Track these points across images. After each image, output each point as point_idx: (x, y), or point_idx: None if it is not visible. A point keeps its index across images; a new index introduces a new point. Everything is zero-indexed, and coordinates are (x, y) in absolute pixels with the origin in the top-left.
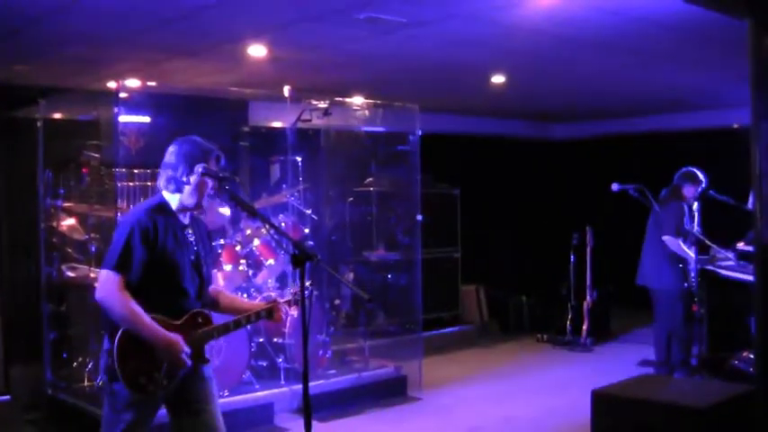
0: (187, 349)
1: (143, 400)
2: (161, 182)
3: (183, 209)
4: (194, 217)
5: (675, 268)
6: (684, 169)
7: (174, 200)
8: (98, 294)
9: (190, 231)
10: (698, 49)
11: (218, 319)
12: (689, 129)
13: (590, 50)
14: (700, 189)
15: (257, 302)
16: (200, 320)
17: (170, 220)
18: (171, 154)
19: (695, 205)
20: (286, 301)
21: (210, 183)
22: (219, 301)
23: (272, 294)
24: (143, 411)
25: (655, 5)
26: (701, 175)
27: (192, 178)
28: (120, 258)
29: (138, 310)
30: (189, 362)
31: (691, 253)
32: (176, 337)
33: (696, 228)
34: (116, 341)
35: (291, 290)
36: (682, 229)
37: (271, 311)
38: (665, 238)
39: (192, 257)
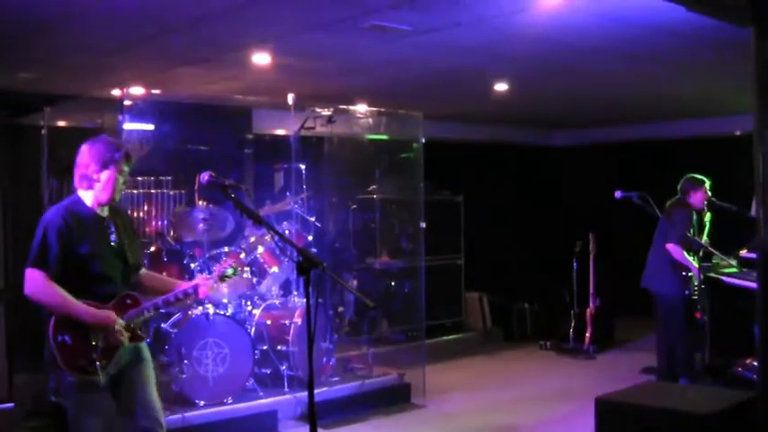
0: (121, 321)
1: (90, 382)
2: (75, 180)
3: (98, 204)
4: (115, 209)
5: (678, 275)
6: (689, 176)
7: (88, 196)
8: (26, 291)
9: (110, 222)
10: (701, 57)
11: None
12: (692, 136)
13: (593, 57)
14: (707, 195)
15: (183, 282)
16: (128, 302)
17: (85, 215)
18: (82, 153)
19: (707, 216)
20: (213, 277)
21: (121, 179)
22: (143, 282)
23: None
24: (97, 397)
25: (658, 13)
26: (706, 182)
27: (103, 175)
28: (38, 256)
29: (66, 294)
30: (122, 334)
31: (694, 262)
32: (107, 312)
33: (705, 238)
34: (50, 329)
35: (218, 267)
36: (686, 239)
37: (197, 288)
38: (669, 246)
39: (114, 246)
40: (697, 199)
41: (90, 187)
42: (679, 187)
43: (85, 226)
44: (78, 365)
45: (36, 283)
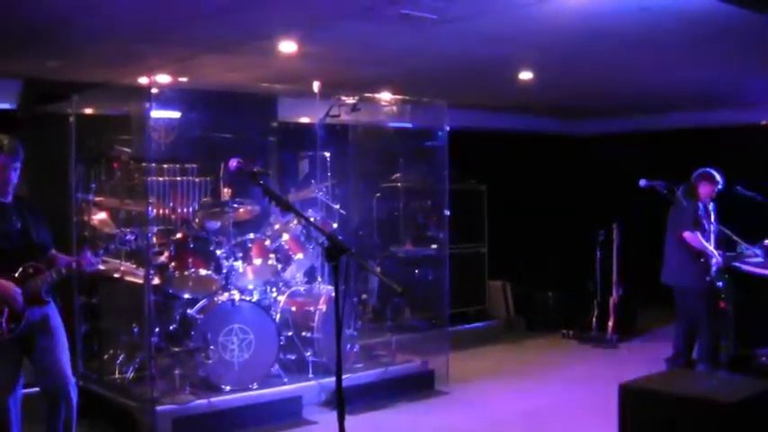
0: (17, 289)
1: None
2: None
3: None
4: (18, 196)
5: (697, 264)
6: (701, 170)
7: None
8: None
9: (13, 207)
10: (729, 46)
11: None
12: (717, 125)
13: (618, 46)
14: (716, 189)
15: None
16: (31, 271)
17: None
18: None
19: (711, 205)
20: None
21: (7, 171)
22: (52, 259)
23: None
24: (7, 351)
25: (685, 1)
26: (717, 176)
27: None
28: None
29: None
30: (20, 299)
31: (711, 247)
32: (5, 282)
33: (714, 226)
34: None
35: (85, 257)
36: (699, 224)
37: (80, 261)
38: (685, 235)
39: (18, 227)
40: (705, 192)
41: None
42: (692, 179)
43: None
44: None
45: None
